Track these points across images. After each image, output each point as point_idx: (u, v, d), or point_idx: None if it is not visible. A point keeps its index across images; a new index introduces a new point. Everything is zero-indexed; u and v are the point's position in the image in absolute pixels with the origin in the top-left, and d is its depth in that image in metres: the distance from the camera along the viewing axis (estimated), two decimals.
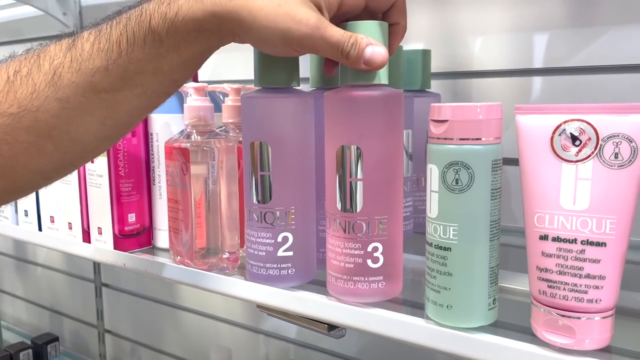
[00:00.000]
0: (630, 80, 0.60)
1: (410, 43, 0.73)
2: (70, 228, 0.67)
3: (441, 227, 0.39)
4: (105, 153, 0.60)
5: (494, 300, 0.40)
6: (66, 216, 0.68)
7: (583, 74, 0.63)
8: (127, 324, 1.23)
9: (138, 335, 1.21)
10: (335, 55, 0.40)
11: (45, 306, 1.41)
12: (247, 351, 1.01)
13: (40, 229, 0.73)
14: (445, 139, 0.38)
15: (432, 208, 0.40)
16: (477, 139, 0.38)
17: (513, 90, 0.67)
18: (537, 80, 0.66)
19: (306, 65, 0.53)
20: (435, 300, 0.40)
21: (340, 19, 0.44)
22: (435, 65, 0.67)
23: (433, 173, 0.39)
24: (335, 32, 0.39)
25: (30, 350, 1.18)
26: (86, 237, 0.65)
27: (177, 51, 0.39)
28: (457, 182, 0.38)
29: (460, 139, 0.38)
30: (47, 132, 0.39)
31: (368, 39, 0.40)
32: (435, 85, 0.69)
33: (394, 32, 0.45)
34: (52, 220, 0.70)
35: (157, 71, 0.40)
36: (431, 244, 0.40)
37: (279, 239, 0.48)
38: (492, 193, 0.38)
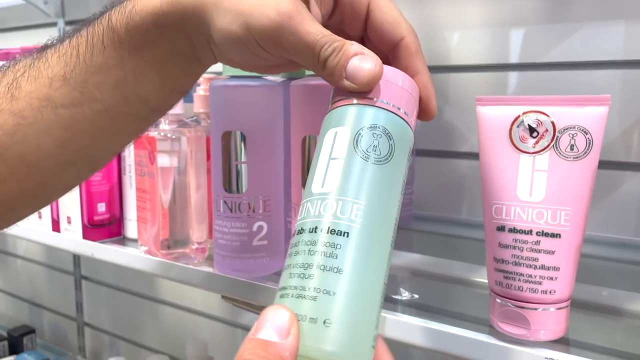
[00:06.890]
0: (604, 76, 0.60)
1: None
2: (40, 217, 0.67)
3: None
4: None
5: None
6: None
7: (558, 70, 0.63)
8: (106, 317, 1.22)
9: (117, 328, 1.20)
10: (309, 60, 0.31)
11: (24, 298, 1.40)
12: (224, 344, 1.01)
13: None
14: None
15: None
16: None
17: (489, 85, 0.67)
18: (513, 75, 0.66)
19: None
20: None
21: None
22: None
23: None
24: (312, 28, 0.30)
25: (5, 342, 1.17)
26: (55, 227, 0.65)
27: (140, 54, 0.34)
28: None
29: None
30: None
31: (359, 46, 0.30)
32: None
33: (405, 50, 0.33)
34: None
35: (119, 84, 0.34)
36: None
37: (254, 228, 0.47)
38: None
